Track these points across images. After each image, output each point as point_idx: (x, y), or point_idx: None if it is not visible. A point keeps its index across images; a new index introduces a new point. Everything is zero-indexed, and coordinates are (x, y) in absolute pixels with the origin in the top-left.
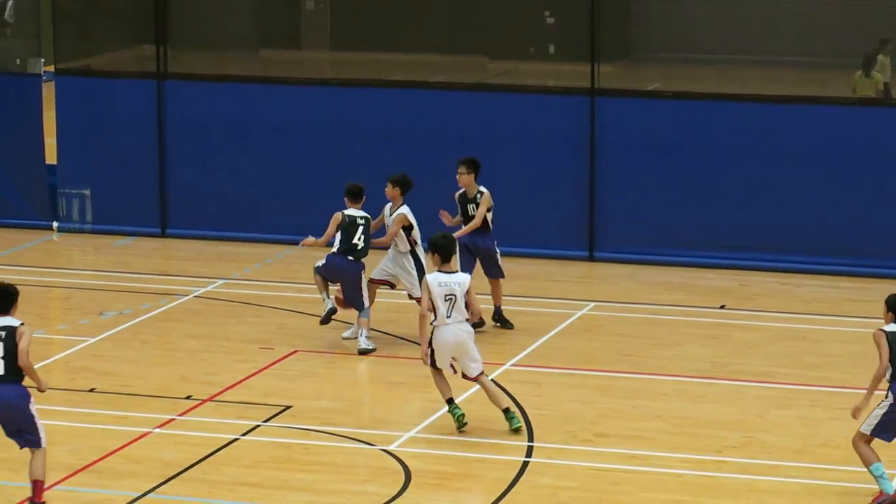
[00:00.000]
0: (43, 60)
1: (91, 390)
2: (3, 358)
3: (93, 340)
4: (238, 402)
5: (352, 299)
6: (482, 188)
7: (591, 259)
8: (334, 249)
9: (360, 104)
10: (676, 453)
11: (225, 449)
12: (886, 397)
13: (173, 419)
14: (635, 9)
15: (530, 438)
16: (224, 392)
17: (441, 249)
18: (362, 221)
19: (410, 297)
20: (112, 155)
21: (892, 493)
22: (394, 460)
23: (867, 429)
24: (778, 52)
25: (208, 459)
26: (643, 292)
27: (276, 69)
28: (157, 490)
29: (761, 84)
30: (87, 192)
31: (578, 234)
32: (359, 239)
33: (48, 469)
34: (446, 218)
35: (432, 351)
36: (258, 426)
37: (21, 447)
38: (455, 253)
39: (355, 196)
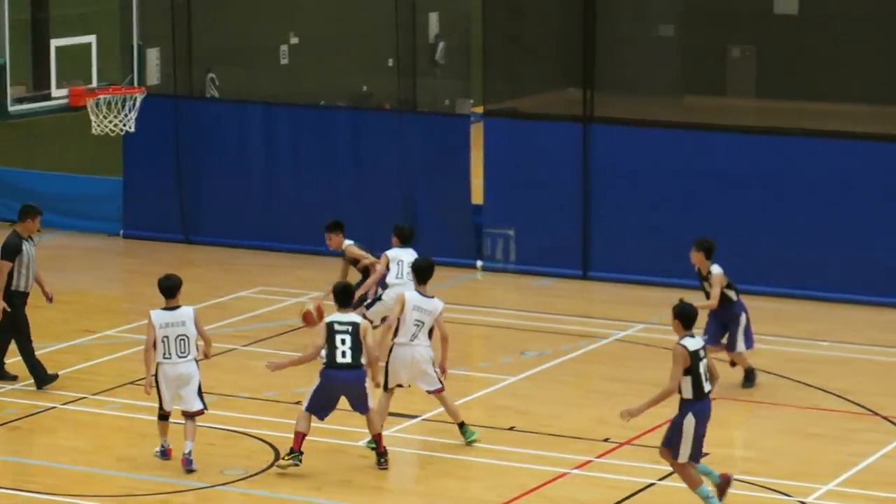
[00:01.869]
0: (471, 101)
1: (510, 429)
2: (351, 349)
3: (513, 379)
4: (656, 446)
5: None
6: (714, 267)
7: None
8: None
9: (784, 153)
10: None
11: (641, 493)
12: (686, 419)
13: (591, 461)
14: None
15: None
16: (642, 436)
17: (418, 270)
18: None
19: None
20: (536, 196)
21: None
22: None
23: (684, 456)
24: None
25: (623, 503)
26: None
27: (699, 115)
28: None
29: None
30: (512, 232)
31: None
32: None
33: None
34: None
35: (386, 371)
36: (674, 472)
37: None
38: (432, 276)
39: None
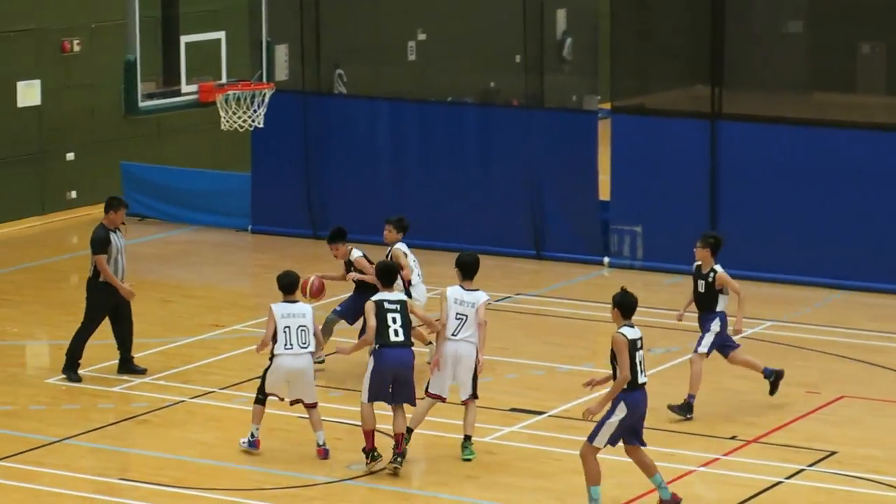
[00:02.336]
0: (598, 98)
1: None
2: (402, 327)
3: None
4: (782, 444)
5: None
6: (717, 266)
7: None
8: None
9: None
10: None
11: (767, 492)
12: (618, 406)
13: (718, 458)
14: None
15: None
16: (769, 434)
17: (463, 266)
18: None
19: None
20: (664, 193)
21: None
22: None
23: (601, 442)
24: None
25: (751, 500)
26: None
27: (828, 112)
28: None
29: None
30: (639, 229)
31: None
32: None
33: None
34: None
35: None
36: (802, 470)
37: (396, 403)
38: (477, 272)
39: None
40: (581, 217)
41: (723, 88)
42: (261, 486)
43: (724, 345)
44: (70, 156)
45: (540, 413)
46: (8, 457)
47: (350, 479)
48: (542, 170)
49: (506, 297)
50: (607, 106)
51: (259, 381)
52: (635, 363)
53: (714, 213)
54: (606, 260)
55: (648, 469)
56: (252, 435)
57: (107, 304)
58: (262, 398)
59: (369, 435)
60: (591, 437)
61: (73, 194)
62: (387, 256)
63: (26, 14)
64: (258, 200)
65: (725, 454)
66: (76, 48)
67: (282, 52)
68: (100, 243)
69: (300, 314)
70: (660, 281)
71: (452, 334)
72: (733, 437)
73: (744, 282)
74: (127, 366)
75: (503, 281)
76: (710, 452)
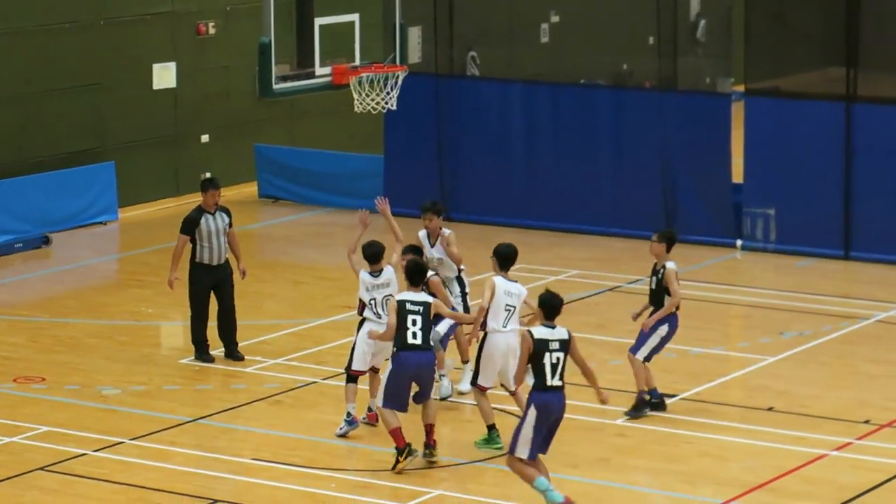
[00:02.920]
0: (732, 80)
1: (769, 409)
2: (422, 330)
3: (772, 360)
4: None
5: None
6: (669, 263)
7: None
8: None
9: None
10: None
11: None
12: (529, 411)
13: (851, 443)
14: None
15: None
16: None
17: (502, 257)
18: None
19: None
20: (797, 176)
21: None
22: None
23: (523, 452)
24: None
25: (886, 485)
26: None
27: None
28: None
29: None
30: (772, 211)
31: None
32: None
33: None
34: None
35: (478, 364)
36: None
37: (417, 402)
38: (514, 262)
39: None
40: (714, 200)
41: (858, 70)
42: (388, 467)
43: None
44: (205, 138)
45: (672, 396)
46: (142, 436)
47: (480, 460)
48: (675, 152)
49: (637, 280)
50: (741, 88)
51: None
52: (542, 364)
53: (848, 197)
54: (739, 243)
55: (539, 472)
56: (348, 414)
57: (206, 283)
58: (352, 375)
59: (396, 434)
60: (511, 448)
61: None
62: (432, 245)
63: None
64: (390, 182)
65: (858, 438)
66: (211, 31)
67: (415, 34)
68: (186, 223)
69: (384, 284)
70: (791, 264)
71: (503, 326)
72: (867, 422)
73: (881, 265)
74: (228, 350)
75: (635, 263)
76: (843, 436)
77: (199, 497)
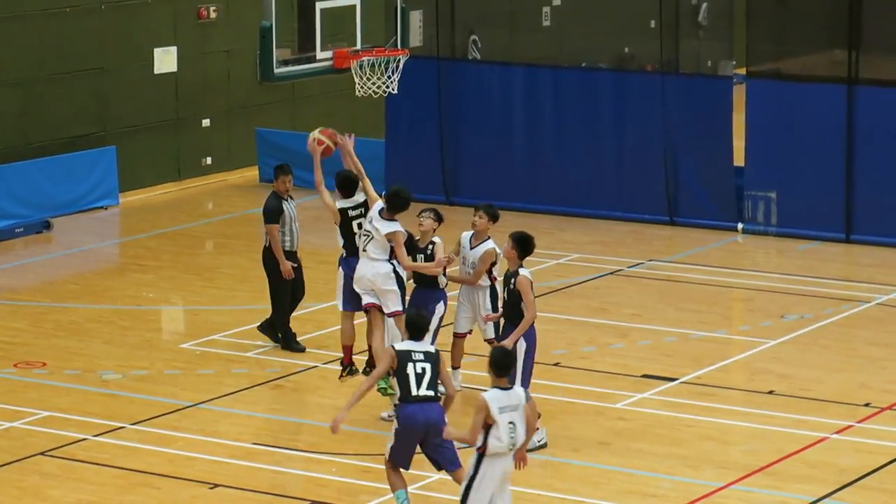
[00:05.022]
0: (734, 63)
1: (770, 392)
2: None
3: (773, 343)
4: None
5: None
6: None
7: None
8: None
9: None
10: None
11: None
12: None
13: (851, 426)
14: None
15: None
16: None
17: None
18: None
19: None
20: (799, 159)
21: None
22: None
23: (388, 456)
24: None
25: (886, 468)
26: None
27: None
28: (833, 496)
29: None
30: (773, 194)
31: None
32: None
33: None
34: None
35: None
36: None
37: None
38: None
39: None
40: (715, 183)
41: (860, 53)
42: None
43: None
44: (206, 122)
45: (673, 380)
46: (143, 421)
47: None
48: (677, 135)
49: (639, 263)
50: (742, 71)
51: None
52: (406, 374)
53: (850, 180)
54: (740, 226)
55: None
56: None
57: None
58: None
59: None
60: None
61: (209, 160)
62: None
63: None
64: (392, 166)
65: (859, 421)
66: (212, 15)
67: (416, 18)
68: (272, 213)
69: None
70: (793, 247)
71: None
72: (867, 405)
73: (882, 248)
74: (287, 343)
75: (636, 247)
76: (844, 419)
77: (201, 482)
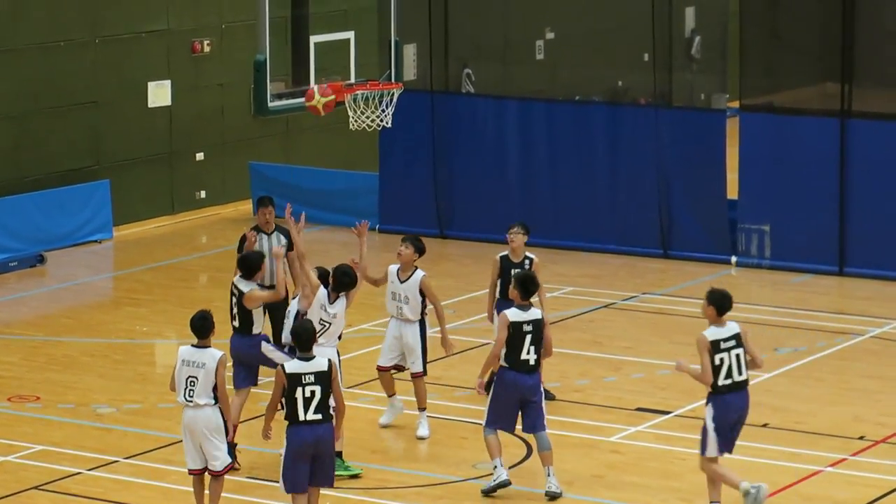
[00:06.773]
0: (727, 96)
1: (764, 425)
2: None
3: (767, 376)
4: None
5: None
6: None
7: None
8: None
9: None
10: None
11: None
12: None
13: (845, 459)
14: None
15: None
16: None
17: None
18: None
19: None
20: (792, 192)
21: None
22: None
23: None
24: None
25: (880, 501)
26: None
27: None
28: None
29: None
30: (767, 227)
31: None
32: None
33: None
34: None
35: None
36: None
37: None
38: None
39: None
40: (708, 216)
41: (853, 86)
42: (384, 486)
43: None
44: (200, 156)
45: (666, 413)
46: (137, 455)
47: (476, 477)
48: (670, 168)
49: (632, 297)
50: (735, 104)
51: None
52: (295, 400)
53: (843, 213)
54: (734, 259)
55: None
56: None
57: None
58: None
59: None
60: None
61: (203, 194)
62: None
63: (157, 15)
64: (386, 199)
65: (853, 454)
66: (206, 49)
67: (410, 51)
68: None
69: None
70: (787, 280)
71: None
72: (862, 438)
73: (876, 281)
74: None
75: (630, 280)
76: (838, 452)
77: None
